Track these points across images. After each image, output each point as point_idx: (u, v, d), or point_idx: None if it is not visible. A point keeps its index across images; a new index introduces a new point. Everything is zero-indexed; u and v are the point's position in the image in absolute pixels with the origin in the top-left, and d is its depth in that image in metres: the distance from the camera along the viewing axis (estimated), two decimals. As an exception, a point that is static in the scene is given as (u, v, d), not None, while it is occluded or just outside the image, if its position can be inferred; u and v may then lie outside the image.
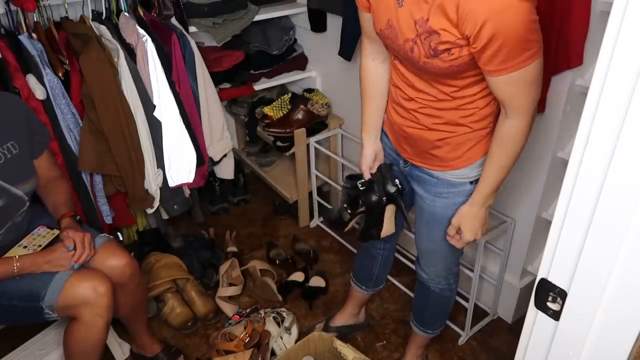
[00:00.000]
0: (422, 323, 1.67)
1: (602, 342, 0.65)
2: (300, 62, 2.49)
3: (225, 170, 2.22)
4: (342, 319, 1.89)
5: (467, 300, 1.84)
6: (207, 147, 2.05)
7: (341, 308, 1.92)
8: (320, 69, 2.48)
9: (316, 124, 2.34)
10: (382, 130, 1.43)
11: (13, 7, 1.66)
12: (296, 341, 1.84)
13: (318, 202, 2.51)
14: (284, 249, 2.36)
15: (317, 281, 2.15)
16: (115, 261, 1.50)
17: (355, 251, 2.20)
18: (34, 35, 1.68)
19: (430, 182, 1.32)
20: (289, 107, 2.35)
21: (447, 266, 1.49)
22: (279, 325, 1.88)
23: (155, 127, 1.84)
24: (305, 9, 2.28)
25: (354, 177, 1.46)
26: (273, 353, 1.82)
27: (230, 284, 2.14)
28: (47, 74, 1.63)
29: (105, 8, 1.82)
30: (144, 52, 1.77)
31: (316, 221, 2.56)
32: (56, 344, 1.58)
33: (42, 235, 1.47)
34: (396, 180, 1.38)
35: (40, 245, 1.43)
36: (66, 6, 1.80)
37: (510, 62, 0.98)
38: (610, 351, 0.64)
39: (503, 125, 1.12)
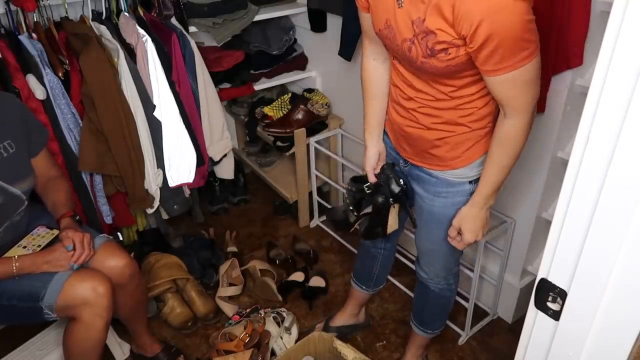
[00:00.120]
0: (422, 323, 1.67)
1: (602, 342, 0.65)
2: (300, 62, 2.49)
3: (225, 170, 2.22)
4: (342, 319, 1.89)
5: (467, 300, 1.84)
6: (207, 147, 2.05)
7: (341, 308, 1.92)
8: (320, 69, 2.48)
9: (316, 124, 2.34)
10: (384, 129, 1.43)
11: (13, 7, 1.66)
12: (296, 341, 1.84)
13: (318, 202, 2.51)
14: (284, 249, 2.36)
15: (317, 281, 2.15)
16: (115, 262, 1.50)
17: (355, 251, 2.20)
18: (34, 35, 1.68)
19: (429, 181, 1.32)
20: (289, 107, 2.35)
21: (446, 266, 1.49)
22: (279, 325, 1.88)
23: (155, 127, 1.85)
24: (305, 9, 2.28)
25: (359, 180, 1.46)
26: (273, 353, 1.82)
27: (230, 284, 2.14)
28: (47, 74, 1.63)
29: (105, 8, 1.82)
30: (144, 52, 1.77)
31: (316, 221, 2.56)
32: (56, 344, 1.58)
33: (41, 235, 1.47)
34: (400, 180, 1.38)
35: (39, 246, 1.43)
36: (66, 6, 1.80)
37: (507, 61, 0.98)
38: (610, 351, 0.64)
39: (502, 126, 1.12)
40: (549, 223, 0.95)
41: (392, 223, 1.45)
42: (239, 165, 2.62)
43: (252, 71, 2.34)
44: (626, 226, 0.56)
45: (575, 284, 0.64)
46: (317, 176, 2.43)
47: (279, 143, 2.32)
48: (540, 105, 1.44)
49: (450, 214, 1.31)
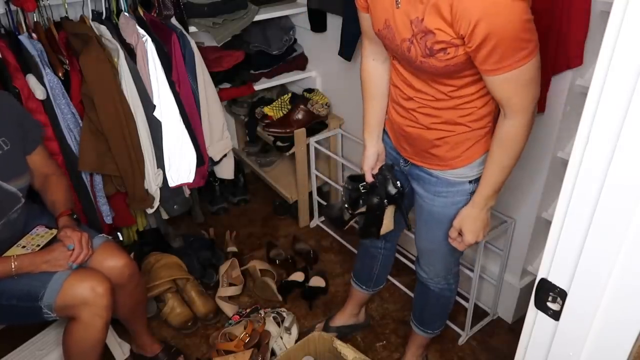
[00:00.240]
0: (422, 323, 1.67)
1: (602, 342, 0.65)
2: (300, 62, 2.49)
3: (225, 170, 2.22)
4: (342, 319, 1.89)
5: (467, 300, 1.84)
6: (207, 147, 2.05)
7: (341, 308, 1.92)
8: (320, 69, 2.48)
9: (316, 124, 2.34)
10: (384, 129, 1.44)
11: (13, 7, 1.66)
12: (296, 341, 1.84)
13: (318, 202, 2.51)
14: (284, 249, 2.36)
15: (317, 281, 2.15)
16: (114, 262, 1.50)
17: (355, 251, 2.20)
18: (34, 35, 1.68)
19: (429, 181, 1.32)
20: (289, 107, 2.35)
21: (446, 266, 1.49)
22: (279, 325, 1.88)
23: (155, 127, 1.85)
24: (305, 9, 2.28)
25: (356, 179, 1.46)
26: (273, 353, 1.82)
27: (230, 284, 2.14)
28: (47, 74, 1.63)
29: (105, 8, 1.82)
30: (144, 52, 1.77)
31: (316, 221, 2.56)
32: (56, 344, 1.58)
33: (40, 235, 1.47)
34: (398, 182, 1.38)
35: (38, 245, 1.43)
36: (66, 6, 1.80)
37: (505, 61, 0.98)
38: (610, 351, 0.64)
39: (502, 126, 1.12)
40: (549, 223, 0.95)
41: (387, 223, 1.46)
42: (239, 165, 2.62)
43: (252, 71, 2.34)
44: (626, 226, 0.56)
45: (575, 284, 0.64)
46: (317, 176, 2.43)
47: (279, 143, 2.32)
48: (540, 105, 1.44)
49: (450, 213, 1.31)
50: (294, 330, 1.90)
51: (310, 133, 2.31)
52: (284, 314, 1.93)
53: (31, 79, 1.61)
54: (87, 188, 1.81)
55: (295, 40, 2.47)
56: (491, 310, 1.96)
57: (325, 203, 2.52)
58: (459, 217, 1.28)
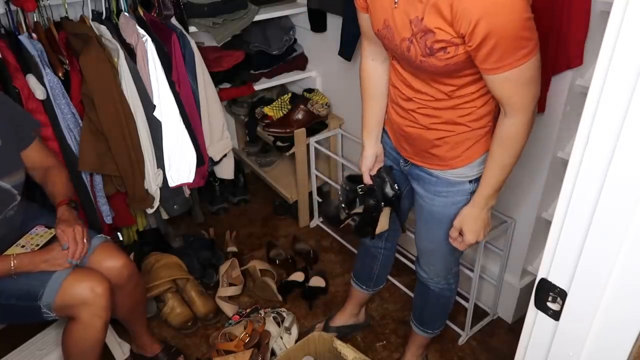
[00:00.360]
0: (422, 323, 1.67)
1: (602, 342, 0.65)
2: (300, 62, 2.49)
3: (225, 170, 2.22)
4: (342, 319, 1.89)
5: (467, 300, 1.84)
6: (207, 147, 2.05)
7: (341, 308, 1.92)
8: (320, 69, 2.48)
9: (316, 124, 2.34)
10: (384, 129, 1.44)
11: (13, 7, 1.66)
12: (296, 341, 1.84)
13: (318, 202, 2.51)
14: (284, 249, 2.36)
15: (317, 281, 2.15)
16: (112, 262, 1.50)
17: (355, 251, 2.20)
18: (34, 35, 1.68)
19: (429, 181, 1.32)
20: (289, 107, 2.35)
21: (446, 266, 1.49)
22: (279, 325, 1.88)
23: (155, 127, 1.85)
24: (305, 9, 2.28)
25: (354, 180, 1.46)
26: (273, 353, 1.82)
27: (230, 284, 2.14)
28: (47, 74, 1.63)
29: (105, 8, 1.83)
30: (144, 52, 1.77)
31: (316, 221, 2.56)
32: (56, 344, 1.58)
33: (39, 234, 1.47)
34: (395, 185, 1.38)
35: (37, 245, 1.43)
36: (66, 6, 1.80)
37: (506, 60, 0.98)
38: (610, 351, 0.64)
39: (503, 125, 1.12)
40: (549, 223, 0.95)
41: (383, 224, 1.46)
42: (239, 165, 2.62)
43: (252, 71, 2.34)
44: (626, 226, 0.56)
45: (575, 284, 0.64)
46: (317, 176, 2.43)
47: (279, 143, 2.32)
48: (540, 105, 1.44)
49: (450, 213, 1.31)
50: (294, 330, 1.90)
51: (310, 133, 2.31)
52: (284, 314, 1.93)
53: (31, 79, 1.61)
54: (87, 188, 1.81)
55: (295, 40, 2.47)
56: (491, 310, 1.96)
57: (323, 200, 2.52)
58: (460, 216, 1.28)
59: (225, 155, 2.16)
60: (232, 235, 2.44)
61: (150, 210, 1.95)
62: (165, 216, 2.18)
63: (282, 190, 2.52)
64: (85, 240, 1.42)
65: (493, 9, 0.93)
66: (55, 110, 1.67)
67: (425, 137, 1.25)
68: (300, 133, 2.26)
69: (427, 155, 1.28)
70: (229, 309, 2.03)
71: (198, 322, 2.00)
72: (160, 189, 1.92)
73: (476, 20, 0.94)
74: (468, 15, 0.94)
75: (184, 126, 1.90)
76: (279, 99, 2.41)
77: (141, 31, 1.77)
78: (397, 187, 1.38)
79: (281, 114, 2.34)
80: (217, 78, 2.19)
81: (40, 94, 1.61)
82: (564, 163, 1.47)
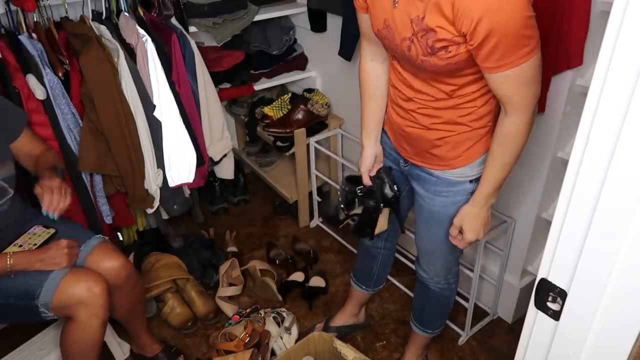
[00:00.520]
0: (422, 323, 1.67)
1: (602, 342, 0.65)
2: (300, 62, 2.49)
3: (225, 170, 2.23)
4: (342, 319, 1.89)
5: (467, 300, 1.84)
6: (207, 147, 2.05)
7: (341, 308, 1.92)
8: (320, 69, 2.48)
9: (316, 124, 2.34)
10: (383, 129, 1.43)
11: (13, 7, 1.66)
12: (296, 341, 1.84)
13: (318, 202, 2.51)
14: (284, 249, 2.36)
15: (317, 281, 2.15)
16: (110, 263, 1.50)
17: (355, 251, 2.20)
18: (34, 35, 1.68)
19: (430, 180, 1.32)
20: (289, 107, 2.35)
21: (446, 265, 1.49)
22: (279, 325, 1.88)
23: (155, 127, 1.85)
24: (305, 9, 2.28)
25: (353, 181, 1.46)
26: (273, 353, 1.82)
27: (230, 284, 2.14)
28: (47, 74, 1.63)
29: (105, 8, 1.83)
30: (144, 52, 1.77)
31: (316, 221, 2.56)
32: (56, 344, 1.57)
33: (37, 234, 1.47)
34: (395, 186, 1.38)
35: (35, 244, 1.43)
36: (66, 6, 1.80)
37: (507, 58, 0.98)
38: (610, 351, 0.64)
39: (503, 124, 1.12)
40: (549, 223, 0.95)
41: (382, 224, 1.47)
42: (239, 165, 2.62)
43: (252, 71, 2.34)
44: (626, 226, 0.56)
45: (575, 284, 0.64)
46: (317, 176, 2.43)
47: (279, 143, 2.32)
48: (540, 105, 1.44)
49: (450, 213, 1.31)
50: (294, 330, 1.90)
51: (310, 133, 2.31)
52: (284, 314, 1.93)
53: (31, 79, 1.61)
54: (87, 188, 1.81)
55: (295, 40, 2.47)
56: (491, 310, 1.96)
57: (323, 200, 2.52)
58: (460, 215, 1.28)
59: (225, 155, 2.16)
60: (232, 235, 2.44)
61: (150, 210, 1.95)
62: (165, 216, 2.18)
63: (282, 190, 2.52)
64: (64, 193, 1.36)
65: (495, 6, 0.93)
66: (55, 110, 1.67)
67: (426, 137, 1.25)
68: (300, 133, 2.26)
69: (428, 155, 1.28)
70: (229, 309, 2.03)
71: (198, 322, 2.00)
72: (160, 189, 1.93)
73: (478, 18, 0.94)
74: (470, 13, 0.94)
75: (184, 126, 1.90)
76: (279, 99, 2.41)
77: (141, 31, 1.77)
78: (396, 188, 1.39)
79: (281, 114, 2.34)
80: (217, 78, 2.19)
81: (40, 94, 1.61)
82: (564, 163, 1.47)
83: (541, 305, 0.69)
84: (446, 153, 1.25)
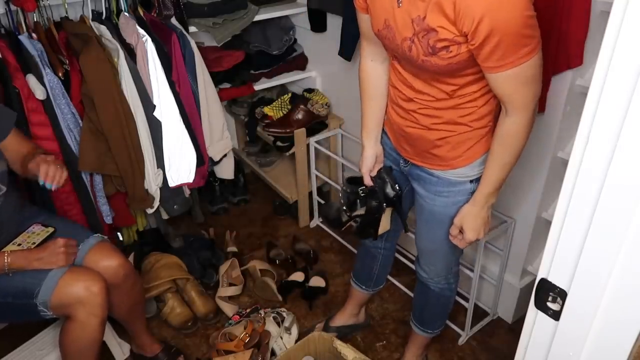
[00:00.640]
0: (422, 323, 1.67)
1: (602, 342, 0.65)
2: (300, 62, 2.49)
3: (225, 170, 2.22)
4: (342, 319, 1.89)
5: (467, 300, 1.84)
6: (207, 147, 2.05)
7: (341, 308, 1.92)
8: (320, 69, 2.48)
9: (316, 124, 2.34)
10: (383, 129, 1.43)
11: (13, 7, 1.66)
12: (296, 341, 1.84)
13: (318, 202, 2.51)
14: (284, 249, 2.36)
15: (317, 281, 2.15)
16: (109, 262, 1.50)
17: (355, 251, 2.20)
18: (34, 35, 1.68)
19: (430, 181, 1.32)
20: (289, 107, 2.35)
21: (447, 265, 1.49)
22: (279, 325, 1.88)
23: (155, 127, 1.85)
24: (305, 9, 2.28)
25: (355, 182, 1.46)
26: (273, 353, 1.82)
27: (230, 284, 2.14)
28: (47, 74, 1.63)
29: (105, 8, 1.83)
30: (144, 52, 1.77)
31: (316, 221, 2.56)
32: (56, 344, 1.57)
33: (36, 233, 1.47)
34: (396, 185, 1.38)
35: (34, 243, 1.43)
36: (66, 6, 1.80)
37: (508, 58, 0.98)
38: (610, 351, 0.64)
39: (504, 123, 1.12)
40: (549, 223, 0.95)
41: (385, 224, 1.46)
42: (239, 165, 2.62)
43: (252, 71, 2.34)
44: (626, 226, 0.56)
45: (575, 284, 0.64)
46: (317, 176, 2.43)
47: (279, 143, 2.32)
48: (540, 105, 1.44)
49: (451, 213, 1.31)
50: (294, 330, 1.90)
51: (310, 133, 2.31)
52: (284, 314, 1.93)
53: (31, 79, 1.61)
54: (87, 188, 1.81)
55: (295, 40, 2.47)
56: (491, 310, 1.96)
57: (324, 203, 2.52)
58: (460, 214, 1.28)
59: (225, 155, 2.16)
60: (232, 235, 2.44)
61: (150, 210, 1.95)
62: (165, 216, 2.18)
63: (282, 190, 2.52)
64: (60, 166, 1.34)
65: (496, 6, 0.93)
66: (55, 110, 1.67)
67: (426, 137, 1.25)
68: (300, 133, 2.26)
69: (428, 155, 1.28)
70: (229, 309, 2.03)
71: (198, 322, 2.00)
72: (160, 189, 1.92)
73: (479, 17, 0.94)
74: (471, 13, 0.94)
75: (184, 126, 1.90)
76: (279, 99, 2.41)
77: (141, 31, 1.77)
78: (398, 187, 1.38)
79: (281, 114, 2.34)
80: (217, 78, 2.19)
81: (40, 94, 1.61)
82: (564, 163, 1.47)
83: (541, 305, 0.69)
84: (447, 153, 1.25)
